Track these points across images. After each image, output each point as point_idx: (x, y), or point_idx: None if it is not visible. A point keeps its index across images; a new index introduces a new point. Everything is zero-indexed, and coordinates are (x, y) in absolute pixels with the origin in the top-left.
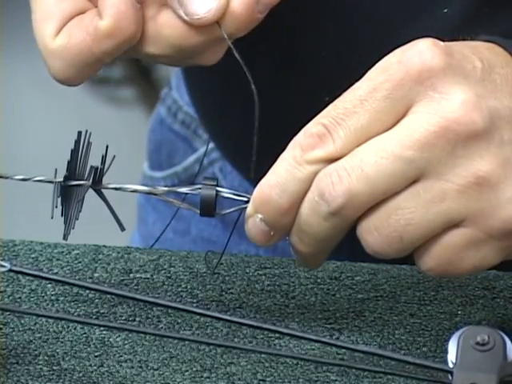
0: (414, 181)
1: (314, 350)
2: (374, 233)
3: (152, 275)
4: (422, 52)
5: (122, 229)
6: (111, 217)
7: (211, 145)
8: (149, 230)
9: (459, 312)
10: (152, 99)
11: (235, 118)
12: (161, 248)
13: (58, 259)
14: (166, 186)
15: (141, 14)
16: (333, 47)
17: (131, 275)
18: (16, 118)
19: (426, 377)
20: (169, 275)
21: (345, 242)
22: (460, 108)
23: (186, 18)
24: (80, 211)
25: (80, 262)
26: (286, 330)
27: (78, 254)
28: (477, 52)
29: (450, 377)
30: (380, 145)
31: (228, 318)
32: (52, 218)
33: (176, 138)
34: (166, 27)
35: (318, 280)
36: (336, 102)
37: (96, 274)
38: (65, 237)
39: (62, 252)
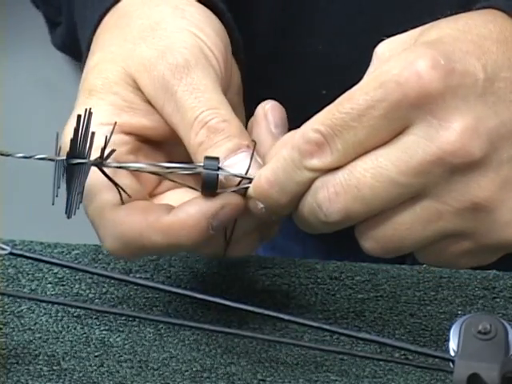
0: (412, 197)
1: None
2: (372, 241)
3: (152, 275)
4: (420, 75)
5: (129, 196)
6: None
7: None
8: None
9: (459, 312)
10: None
11: None
12: None
13: (57, 259)
14: (168, 162)
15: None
16: (329, 39)
17: (131, 275)
18: (16, 118)
19: (427, 365)
20: (169, 275)
21: (345, 242)
22: (457, 139)
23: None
24: (83, 190)
25: (80, 262)
26: (287, 317)
27: (77, 253)
28: (482, 54)
29: (451, 365)
30: (376, 166)
31: (234, 304)
32: (53, 203)
33: None
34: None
35: (318, 280)
36: (332, 107)
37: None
38: (68, 216)
39: (62, 252)
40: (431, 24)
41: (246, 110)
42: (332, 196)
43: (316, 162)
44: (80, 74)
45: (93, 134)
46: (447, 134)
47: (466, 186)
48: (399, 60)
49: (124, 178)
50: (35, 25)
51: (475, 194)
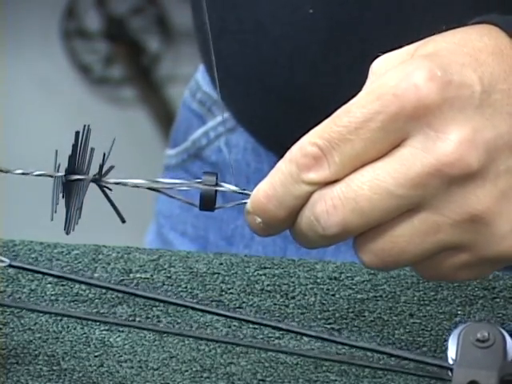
0: (410, 210)
1: (313, 349)
2: (370, 254)
3: (152, 275)
4: (417, 88)
5: (123, 221)
6: (111, 216)
7: (219, 119)
8: (159, 207)
9: (459, 312)
10: (152, 99)
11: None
12: (160, 248)
13: (57, 259)
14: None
15: None
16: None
17: (131, 275)
18: (16, 118)
19: (425, 373)
20: (169, 275)
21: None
22: (454, 150)
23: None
24: (81, 206)
25: (80, 262)
26: (285, 326)
27: (77, 253)
28: (478, 66)
29: (449, 373)
30: (374, 178)
31: (229, 314)
32: (52, 219)
33: (192, 115)
34: None
35: (318, 280)
36: (330, 121)
37: (96, 274)
38: (67, 232)
39: (62, 252)
40: (427, 39)
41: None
42: (330, 209)
43: (313, 176)
44: (80, 74)
45: (92, 149)
46: (444, 145)
47: (464, 197)
48: (396, 72)
49: None
50: (35, 25)
51: (473, 205)
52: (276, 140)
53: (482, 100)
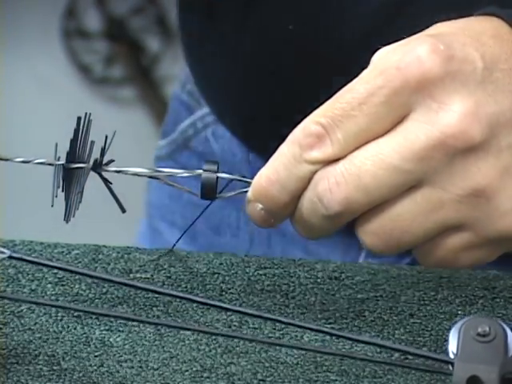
0: (412, 187)
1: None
2: (372, 235)
3: (152, 275)
4: (420, 60)
5: (123, 211)
6: (111, 216)
7: (206, 109)
8: (149, 198)
9: (459, 312)
10: (152, 99)
11: (233, 85)
12: (161, 248)
13: (57, 259)
14: (167, 168)
15: None
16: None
17: (131, 275)
18: (16, 117)
19: (426, 368)
20: (169, 275)
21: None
22: (458, 122)
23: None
24: (81, 195)
25: (80, 262)
26: (286, 320)
27: (77, 253)
28: (480, 45)
29: (450, 367)
30: (378, 153)
31: (230, 307)
32: (52, 205)
33: (181, 106)
34: None
35: (318, 280)
36: (333, 100)
37: (96, 274)
38: (67, 221)
39: (62, 252)
40: (428, 28)
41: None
42: (333, 186)
43: (316, 154)
44: (80, 74)
45: (92, 142)
46: (447, 116)
47: (467, 171)
48: (399, 48)
49: None
50: (35, 24)
51: (476, 179)
52: (257, 141)
53: (484, 76)
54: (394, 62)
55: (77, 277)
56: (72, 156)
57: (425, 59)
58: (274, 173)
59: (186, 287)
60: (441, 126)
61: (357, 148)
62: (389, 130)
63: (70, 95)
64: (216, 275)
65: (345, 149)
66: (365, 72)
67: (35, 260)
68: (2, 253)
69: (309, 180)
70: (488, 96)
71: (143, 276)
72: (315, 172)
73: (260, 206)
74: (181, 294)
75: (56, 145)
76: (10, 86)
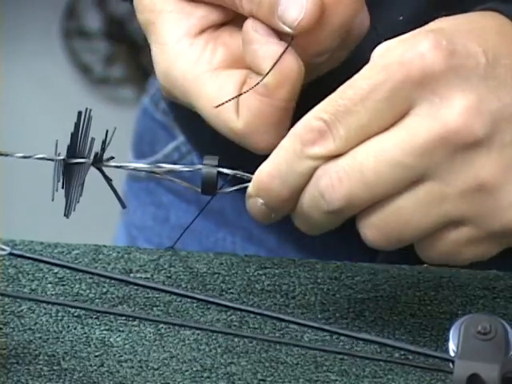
0: (415, 181)
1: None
2: (373, 229)
3: (152, 275)
4: (423, 55)
5: (124, 206)
6: (111, 216)
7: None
8: (130, 218)
9: (459, 312)
10: None
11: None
12: (159, 247)
13: (57, 259)
14: (166, 163)
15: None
16: None
17: (131, 275)
18: (16, 118)
19: (426, 365)
20: (169, 275)
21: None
22: (460, 117)
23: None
24: (81, 190)
25: (80, 262)
26: (286, 317)
27: (78, 253)
28: (483, 41)
29: (451, 365)
30: (380, 148)
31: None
32: (53, 199)
33: (157, 126)
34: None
35: (318, 280)
36: (335, 95)
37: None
38: (67, 216)
39: (62, 252)
40: (430, 23)
41: None
42: (335, 182)
43: (318, 150)
44: (80, 74)
45: (92, 139)
46: (450, 111)
47: (470, 165)
48: (401, 43)
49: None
50: (35, 24)
51: (478, 173)
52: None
53: (486, 72)
54: (396, 57)
55: (77, 276)
56: (72, 151)
57: (427, 54)
58: (275, 168)
59: (186, 287)
60: (443, 120)
61: (359, 143)
62: (391, 125)
63: (70, 95)
64: (216, 275)
65: (347, 144)
66: (366, 68)
67: (35, 257)
68: (3, 250)
69: (310, 175)
70: (491, 91)
71: (143, 276)
72: (317, 168)
73: (261, 201)
74: (181, 292)
75: (56, 141)
76: (10, 86)
